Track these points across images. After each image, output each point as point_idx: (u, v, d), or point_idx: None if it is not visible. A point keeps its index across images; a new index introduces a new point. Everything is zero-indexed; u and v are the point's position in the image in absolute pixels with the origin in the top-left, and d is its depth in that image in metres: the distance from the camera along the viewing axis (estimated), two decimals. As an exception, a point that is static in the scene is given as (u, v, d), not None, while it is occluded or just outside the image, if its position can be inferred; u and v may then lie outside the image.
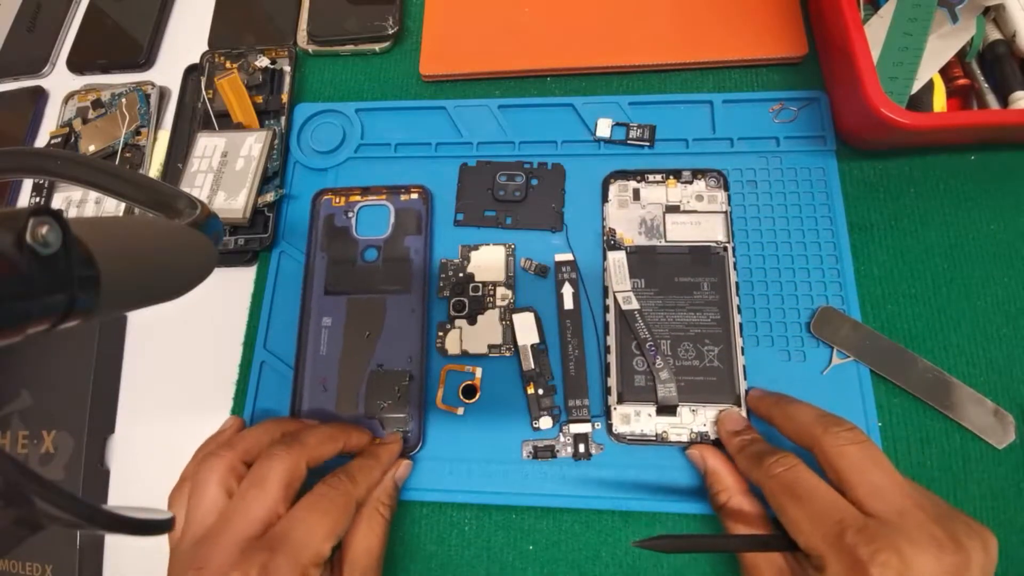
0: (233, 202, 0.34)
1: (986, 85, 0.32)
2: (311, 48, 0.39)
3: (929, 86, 0.31)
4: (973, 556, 0.19)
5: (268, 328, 0.33)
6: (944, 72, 0.32)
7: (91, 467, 0.31)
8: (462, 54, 0.37)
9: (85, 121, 0.39)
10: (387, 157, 0.36)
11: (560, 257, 0.32)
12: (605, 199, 0.33)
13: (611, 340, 0.30)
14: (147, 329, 0.35)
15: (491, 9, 0.38)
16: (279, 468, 0.23)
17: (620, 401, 0.29)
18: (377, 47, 0.39)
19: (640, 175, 0.33)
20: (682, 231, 0.32)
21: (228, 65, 0.39)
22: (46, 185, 0.38)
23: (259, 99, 0.38)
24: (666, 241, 0.32)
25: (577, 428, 0.29)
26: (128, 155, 0.38)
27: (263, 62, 0.38)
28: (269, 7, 0.41)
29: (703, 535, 0.26)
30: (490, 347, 0.31)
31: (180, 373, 0.34)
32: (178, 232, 0.20)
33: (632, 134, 0.34)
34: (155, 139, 0.39)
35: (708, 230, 0.32)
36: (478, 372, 0.31)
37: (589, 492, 0.29)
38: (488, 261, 0.33)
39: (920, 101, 0.31)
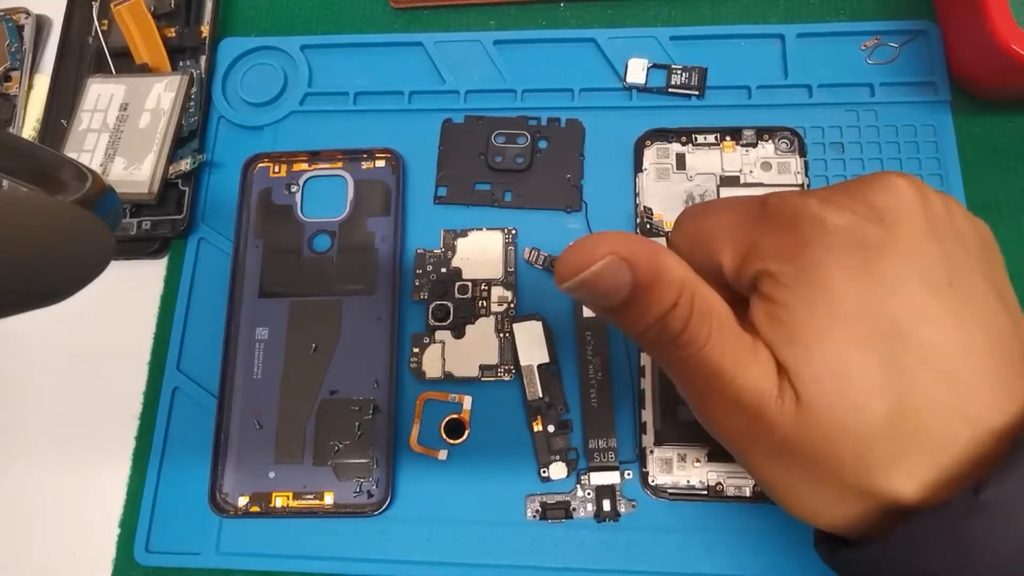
0: (136, 172, 0.34)
1: None
2: (241, -37, 0.39)
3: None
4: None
5: (183, 343, 0.33)
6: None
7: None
8: (445, -29, 0.37)
9: (-64, 62, 0.39)
10: (344, 111, 0.36)
11: (578, 246, 0.32)
12: (639, 168, 0.33)
13: (646, 359, 0.30)
14: (17, 345, 0.35)
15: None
16: None
17: (659, 442, 0.29)
18: (330, -38, 0.38)
19: (686, 135, 0.33)
20: (743, 211, 0.32)
21: (129, -14, 0.38)
22: None
23: (171, 32, 0.37)
24: (721, 225, 0.32)
25: (600, 478, 0.29)
26: (-6, 108, 0.38)
27: (176, -18, 0.38)
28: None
29: None
30: (483, 368, 0.31)
31: (63, 405, 0.33)
32: (60, 212, 0.20)
33: (675, 80, 0.34)
34: (30, 86, 0.39)
35: (778, 210, 0.31)
36: (467, 402, 0.31)
37: (617, 565, 0.29)
38: (480, 252, 0.33)
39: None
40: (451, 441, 0.31)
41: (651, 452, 0.29)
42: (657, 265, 0.17)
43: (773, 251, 0.18)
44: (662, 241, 0.31)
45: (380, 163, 0.35)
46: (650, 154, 0.33)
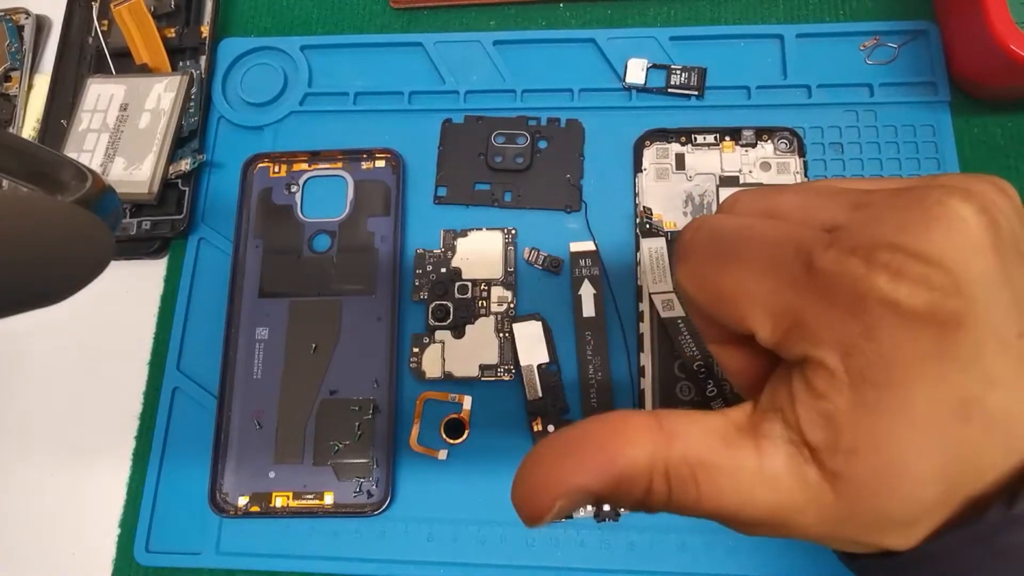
0: (136, 172, 0.34)
1: None
2: (241, -36, 0.39)
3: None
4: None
5: (183, 342, 0.33)
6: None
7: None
8: (445, -28, 0.37)
9: (-64, 62, 0.39)
10: (344, 111, 0.36)
11: (577, 247, 0.32)
12: (639, 168, 0.33)
13: (646, 359, 0.30)
14: (16, 344, 0.35)
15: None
16: None
17: (659, 441, 0.29)
18: (330, -38, 0.39)
19: (686, 135, 0.33)
20: (743, 211, 0.32)
21: (129, -13, 0.38)
22: None
23: (171, 32, 0.37)
24: (721, 225, 0.32)
25: (601, 478, 0.29)
26: (-6, 108, 0.38)
27: (176, -18, 0.38)
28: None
29: None
30: (483, 368, 0.31)
31: (63, 403, 0.34)
32: (61, 212, 0.20)
33: (675, 80, 0.34)
34: (30, 86, 0.39)
35: (778, 210, 0.31)
36: (467, 402, 0.31)
37: (617, 565, 0.29)
38: (480, 252, 0.33)
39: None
40: (451, 441, 0.31)
41: (651, 452, 0.29)
42: (615, 471, 0.16)
43: (828, 336, 0.15)
44: (661, 241, 0.31)
45: (380, 163, 0.35)
46: (650, 154, 0.33)
